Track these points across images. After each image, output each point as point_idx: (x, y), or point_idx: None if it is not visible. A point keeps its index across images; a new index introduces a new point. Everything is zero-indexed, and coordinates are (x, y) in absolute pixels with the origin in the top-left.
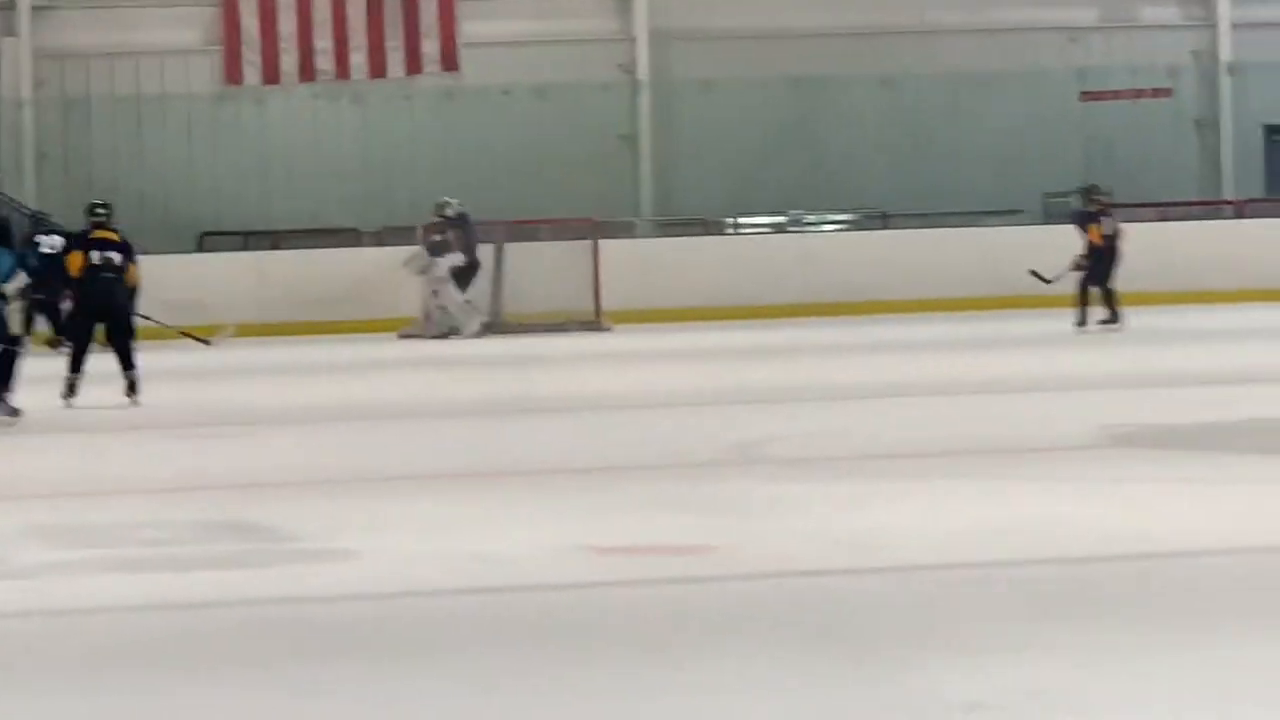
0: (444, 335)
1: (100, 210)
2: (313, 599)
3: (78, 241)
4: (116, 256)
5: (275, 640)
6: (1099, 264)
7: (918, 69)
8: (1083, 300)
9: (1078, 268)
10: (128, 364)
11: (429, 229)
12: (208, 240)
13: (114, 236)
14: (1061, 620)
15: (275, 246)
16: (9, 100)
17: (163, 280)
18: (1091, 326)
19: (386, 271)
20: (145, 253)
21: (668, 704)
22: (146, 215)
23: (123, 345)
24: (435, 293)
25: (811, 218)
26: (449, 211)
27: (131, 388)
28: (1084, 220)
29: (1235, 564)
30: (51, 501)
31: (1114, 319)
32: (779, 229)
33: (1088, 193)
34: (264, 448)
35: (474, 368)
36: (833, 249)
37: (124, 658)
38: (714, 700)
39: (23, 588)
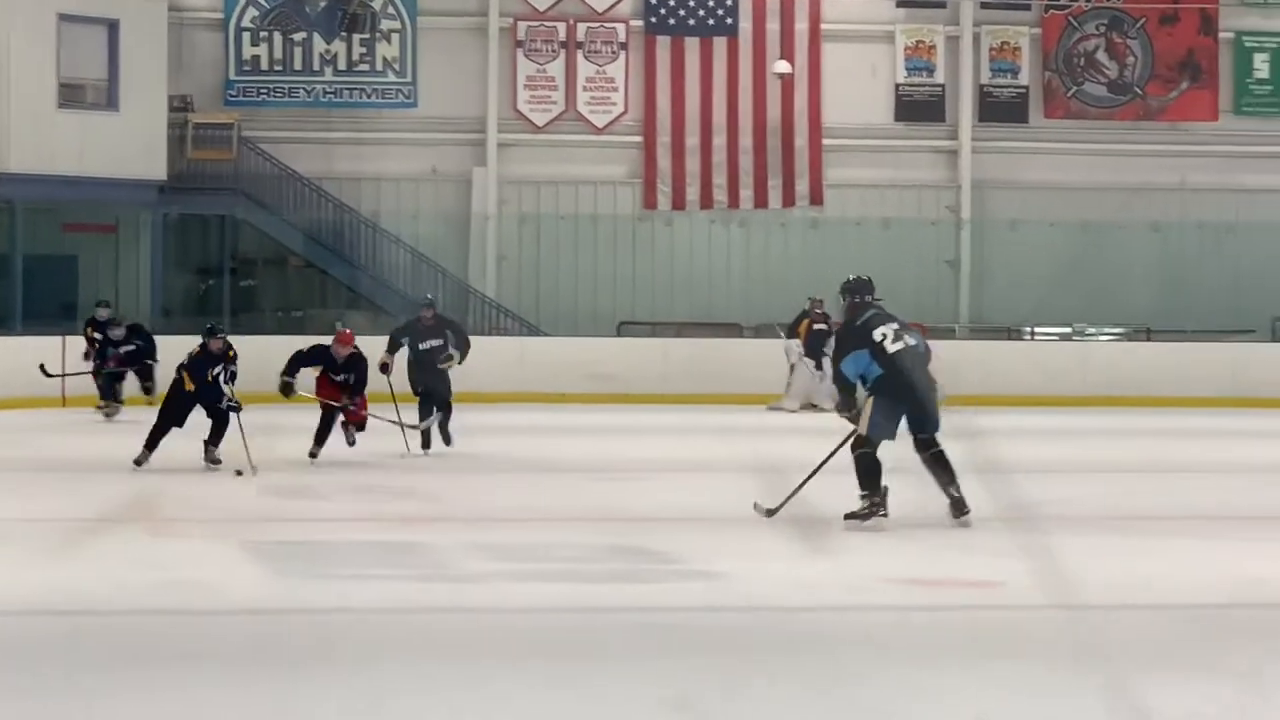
0: (803, 409)
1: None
2: (687, 609)
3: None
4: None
5: (648, 640)
6: None
7: (1178, 218)
8: None
9: None
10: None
11: (813, 319)
12: (624, 328)
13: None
14: None
15: (678, 334)
16: (478, 215)
17: (588, 357)
18: None
19: (761, 357)
20: (574, 335)
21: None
22: (579, 307)
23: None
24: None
25: (1091, 330)
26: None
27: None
28: None
29: None
30: (489, 525)
31: None
32: (1065, 338)
33: None
34: (655, 490)
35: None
36: (1106, 354)
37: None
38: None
39: (452, 590)
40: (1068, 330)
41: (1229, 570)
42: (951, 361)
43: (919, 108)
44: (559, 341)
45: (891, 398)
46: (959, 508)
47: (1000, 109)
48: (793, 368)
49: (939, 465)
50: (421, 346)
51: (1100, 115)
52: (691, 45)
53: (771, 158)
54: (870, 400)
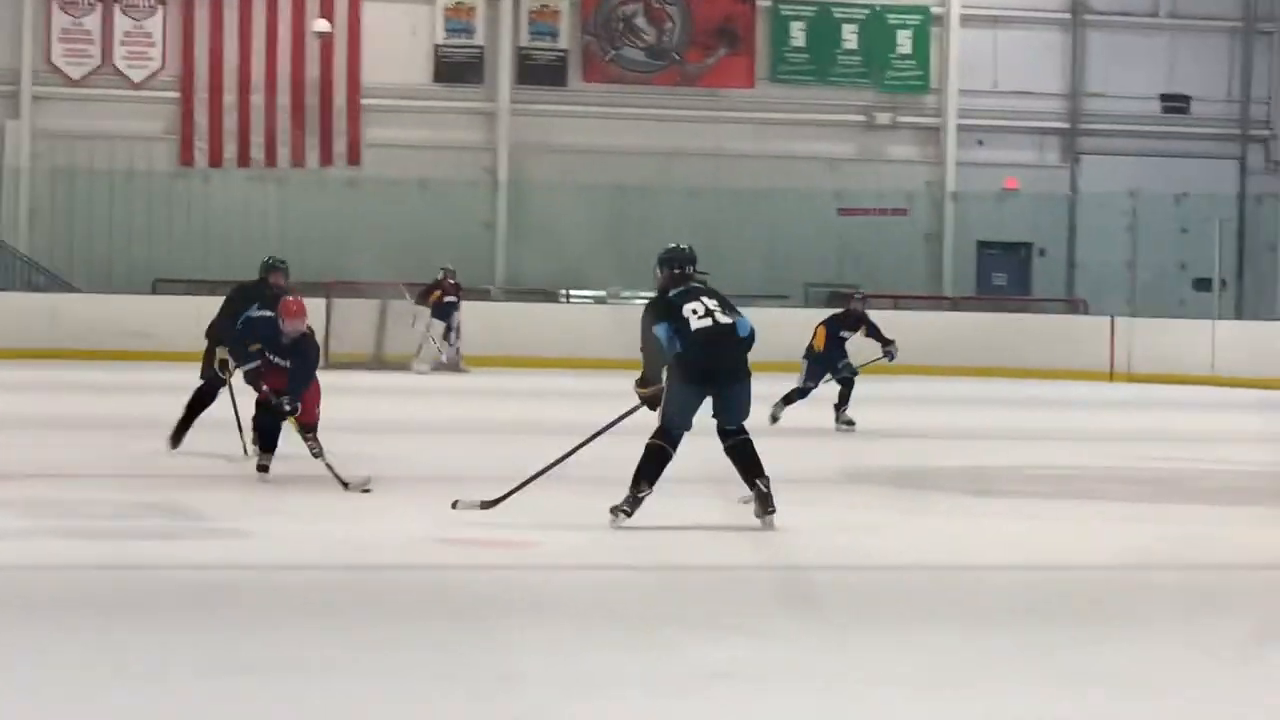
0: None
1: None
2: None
3: None
4: None
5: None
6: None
7: (713, 184)
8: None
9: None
10: None
11: (445, 290)
12: (160, 285)
13: None
14: None
15: (212, 293)
16: (10, 168)
17: (123, 314)
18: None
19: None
20: (109, 292)
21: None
22: (114, 264)
23: None
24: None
25: (626, 293)
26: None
27: None
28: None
29: None
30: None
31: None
32: (600, 301)
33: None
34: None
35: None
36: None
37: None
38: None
39: None
40: (603, 294)
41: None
42: (490, 323)
43: (458, 69)
44: (93, 299)
45: (688, 381)
46: (765, 504)
47: (539, 72)
48: (424, 332)
49: (742, 456)
50: None
51: (638, 80)
52: (231, 2)
53: (310, 116)
54: (667, 383)
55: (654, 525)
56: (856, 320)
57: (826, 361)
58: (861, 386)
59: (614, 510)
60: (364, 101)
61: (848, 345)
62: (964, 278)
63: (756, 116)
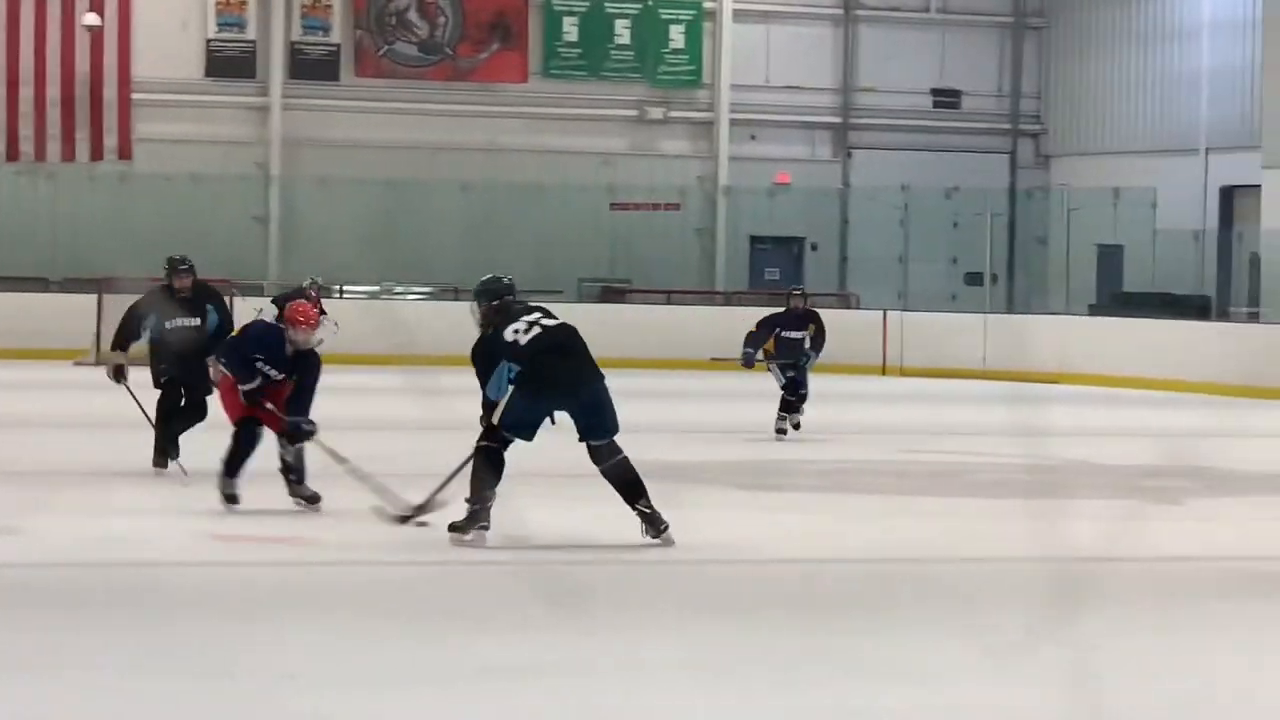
0: None
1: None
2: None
3: None
4: None
5: None
6: None
7: (487, 179)
8: None
9: None
10: None
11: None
12: None
13: None
14: None
15: None
16: None
17: None
18: None
19: (71, 316)
20: None
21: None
22: None
23: None
24: None
25: (399, 289)
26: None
27: None
28: None
29: None
30: None
31: None
32: (374, 296)
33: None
34: None
35: None
36: (414, 312)
37: None
38: None
39: None
40: (376, 289)
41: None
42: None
43: (230, 63)
44: None
45: (534, 391)
46: (654, 524)
47: (312, 67)
48: None
49: (620, 478)
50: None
51: (411, 75)
52: None
53: (80, 110)
54: (510, 397)
55: (431, 522)
56: (801, 318)
57: (783, 359)
58: (636, 380)
59: (454, 528)
60: (134, 96)
61: (802, 346)
62: (737, 272)
63: (529, 111)
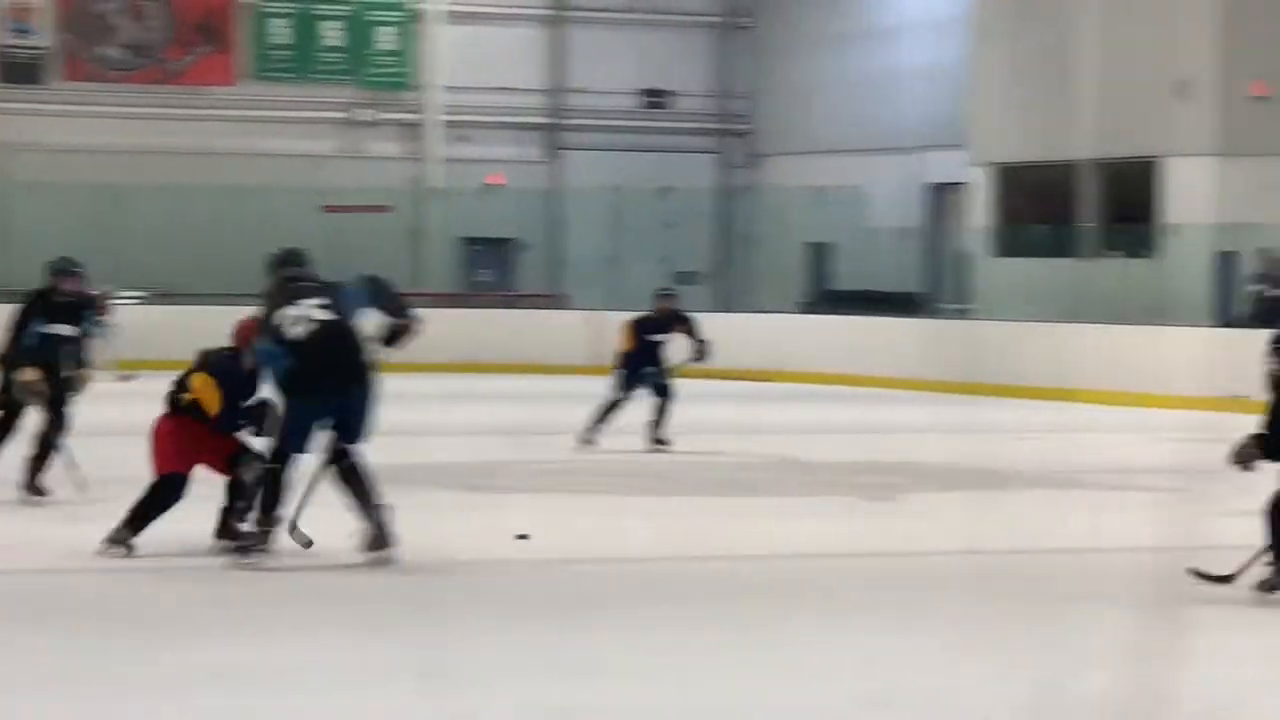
0: None
1: None
2: None
3: None
4: None
5: None
6: None
7: (198, 182)
8: None
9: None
10: None
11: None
12: None
13: None
14: None
15: None
16: None
17: None
18: None
19: None
20: None
21: None
22: None
23: None
24: None
25: (121, 294)
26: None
27: None
28: None
29: None
30: None
31: None
32: None
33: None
34: None
35: None
36: (129, 318)
37: None
38: None
39: None
40: (95, 294)
41: None
42: None
43: None
44: None
45: (303, 395)
46: (378, 541)
47: (18, 70)
48: None
49: (354, 482)
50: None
51: (120, 78)
52: None
53: None
54: (283, 402)
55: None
56: (668, 320)
57: (636, 369)
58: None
59: (243, 551)
60: None
61: (667, 350)
62: (449, 274)
63: (239, 114)
